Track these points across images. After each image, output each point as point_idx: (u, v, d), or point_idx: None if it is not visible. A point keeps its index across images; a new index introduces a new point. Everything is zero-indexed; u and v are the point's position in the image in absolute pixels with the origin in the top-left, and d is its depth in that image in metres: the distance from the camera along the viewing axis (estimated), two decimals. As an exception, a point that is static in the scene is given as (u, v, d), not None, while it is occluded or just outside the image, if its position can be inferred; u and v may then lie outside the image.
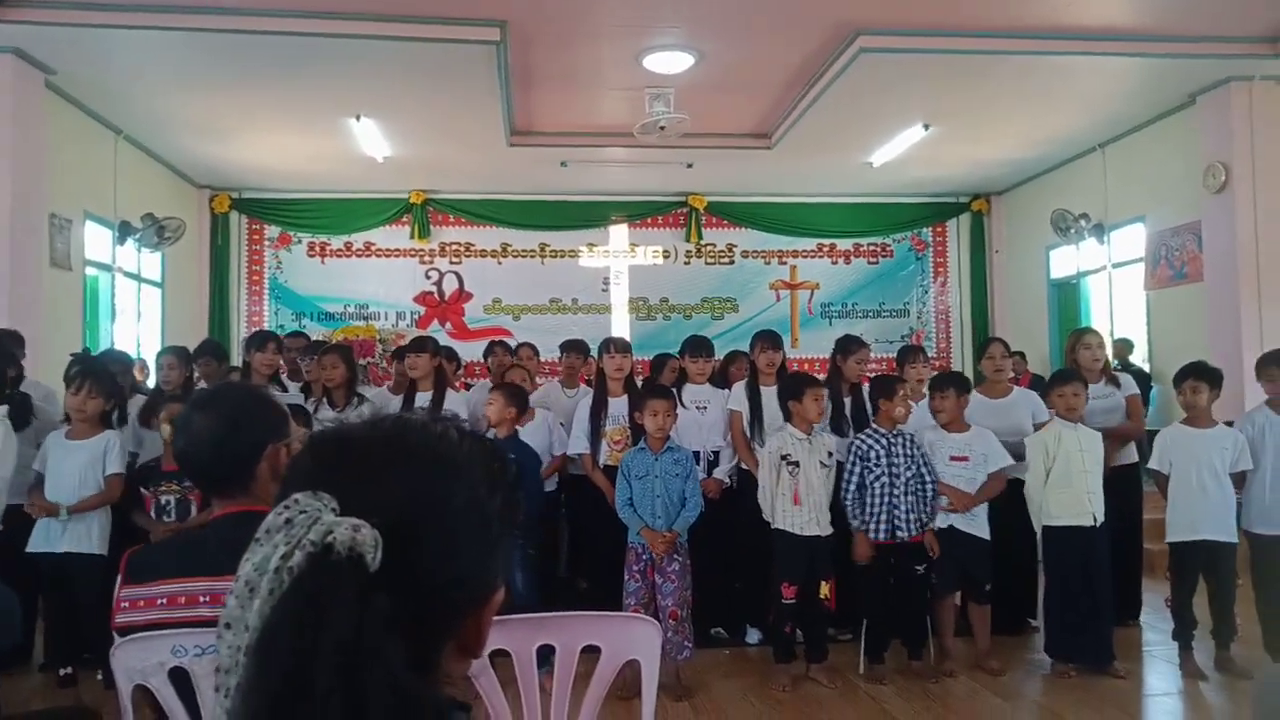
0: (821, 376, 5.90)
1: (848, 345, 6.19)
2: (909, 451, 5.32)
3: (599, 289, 12.69)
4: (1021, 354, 10.50)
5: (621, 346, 5.97)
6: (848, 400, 6.06)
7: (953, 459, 5.44)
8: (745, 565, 5.89)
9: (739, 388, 6.13)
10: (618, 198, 12.49)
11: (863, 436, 5.42)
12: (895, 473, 5.27)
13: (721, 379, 6.67)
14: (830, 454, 5.34)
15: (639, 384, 6.15)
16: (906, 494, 5.24)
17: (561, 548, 6.52)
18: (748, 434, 5.94)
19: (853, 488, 5.32)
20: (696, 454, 5.71)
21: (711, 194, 12.67)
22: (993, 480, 5.44)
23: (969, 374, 9.76)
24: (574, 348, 7.19)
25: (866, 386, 5.86)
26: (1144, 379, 9.36)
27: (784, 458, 5.26)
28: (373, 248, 12.44)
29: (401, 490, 0.91)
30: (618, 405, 5.87)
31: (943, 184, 12.48)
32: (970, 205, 13.20)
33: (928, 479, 5.30)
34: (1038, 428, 5.69)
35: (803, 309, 12.81)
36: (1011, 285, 13.10)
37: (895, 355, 6.87)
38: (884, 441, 5.33)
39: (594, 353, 6.95)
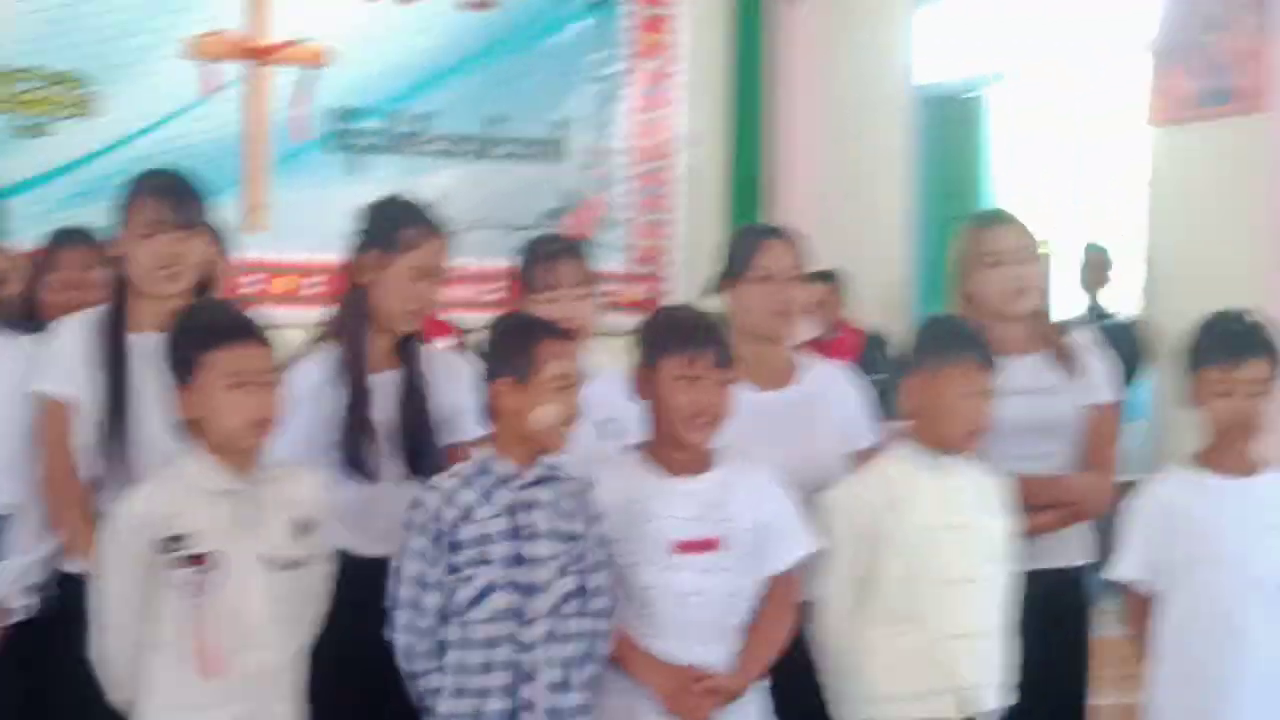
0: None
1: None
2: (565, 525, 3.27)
3: None
4: (833, 276, 7.15)
5: None
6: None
7: (682, 547, 3.30)
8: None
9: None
10: None
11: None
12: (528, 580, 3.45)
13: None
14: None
15: None
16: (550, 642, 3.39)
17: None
18: None
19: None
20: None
21: None
22: (779, 601, 3.35)
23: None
24: None
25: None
26: (1130, 346, 6.52)
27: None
28: None
29: None
30: None
31: None
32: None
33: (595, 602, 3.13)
34: (862, 459, 3.63)
35: (279, 120, 7.79)
36: (825, 95, 8.67)
37: (521, 258, 3.80)
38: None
39: None
